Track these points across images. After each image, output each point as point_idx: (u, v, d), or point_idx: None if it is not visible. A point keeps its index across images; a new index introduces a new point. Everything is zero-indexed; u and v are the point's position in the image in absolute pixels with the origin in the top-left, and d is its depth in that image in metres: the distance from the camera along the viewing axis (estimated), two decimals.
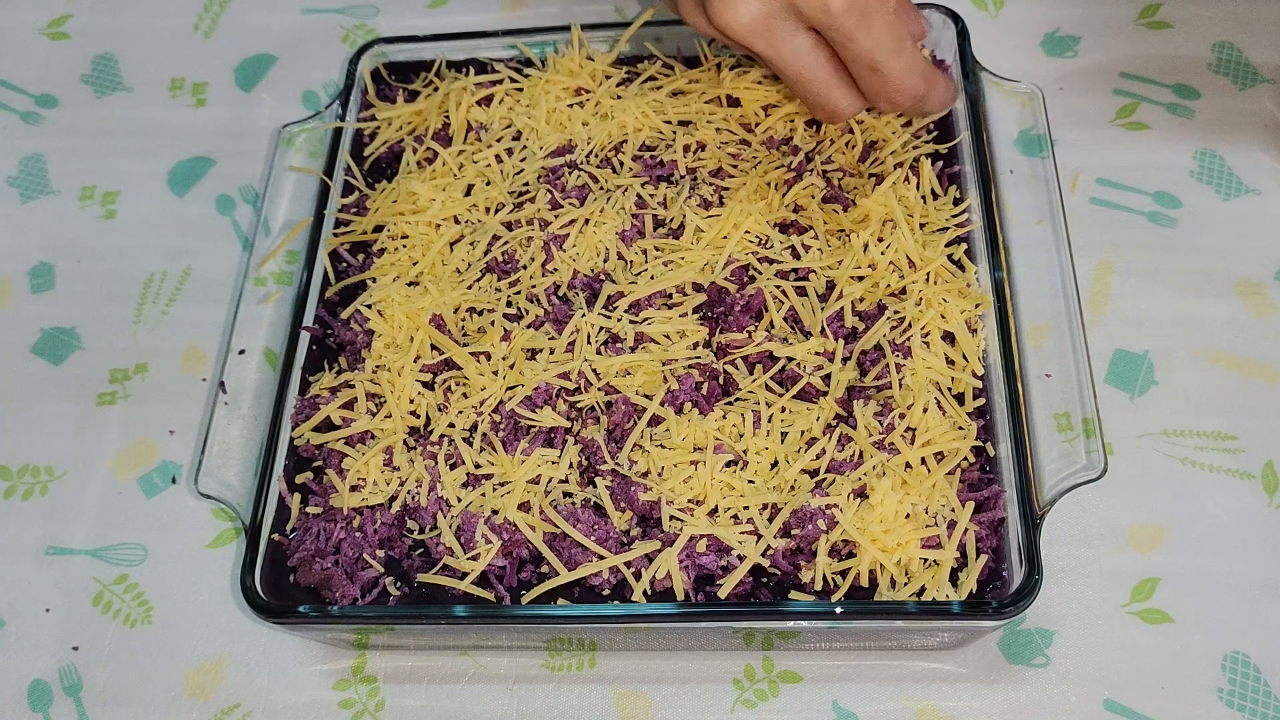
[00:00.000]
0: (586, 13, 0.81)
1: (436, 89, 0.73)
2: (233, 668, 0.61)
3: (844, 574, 0.54)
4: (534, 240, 0.66)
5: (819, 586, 0.54)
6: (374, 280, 0.66)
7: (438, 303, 0.64)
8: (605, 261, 0.65)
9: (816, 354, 0.60)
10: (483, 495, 0.58)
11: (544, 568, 0.57)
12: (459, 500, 0.58)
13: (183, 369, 0.71)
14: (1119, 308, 0.67)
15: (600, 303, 0.63)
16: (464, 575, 0.56)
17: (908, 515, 0.55)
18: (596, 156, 0.69)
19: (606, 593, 0.56)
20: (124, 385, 0.70)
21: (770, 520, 0.56)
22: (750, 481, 0.57)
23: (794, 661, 0.59)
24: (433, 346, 0.63)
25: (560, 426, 0.60)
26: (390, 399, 0.61)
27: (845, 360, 0.60)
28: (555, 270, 0.65)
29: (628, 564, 0.56)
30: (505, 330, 0.62)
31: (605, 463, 0.58)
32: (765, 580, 0.56)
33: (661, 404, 0.59)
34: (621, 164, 0.69)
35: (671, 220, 0.66)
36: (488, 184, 0.69)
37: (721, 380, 0.61)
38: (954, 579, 0.54)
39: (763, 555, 0.55)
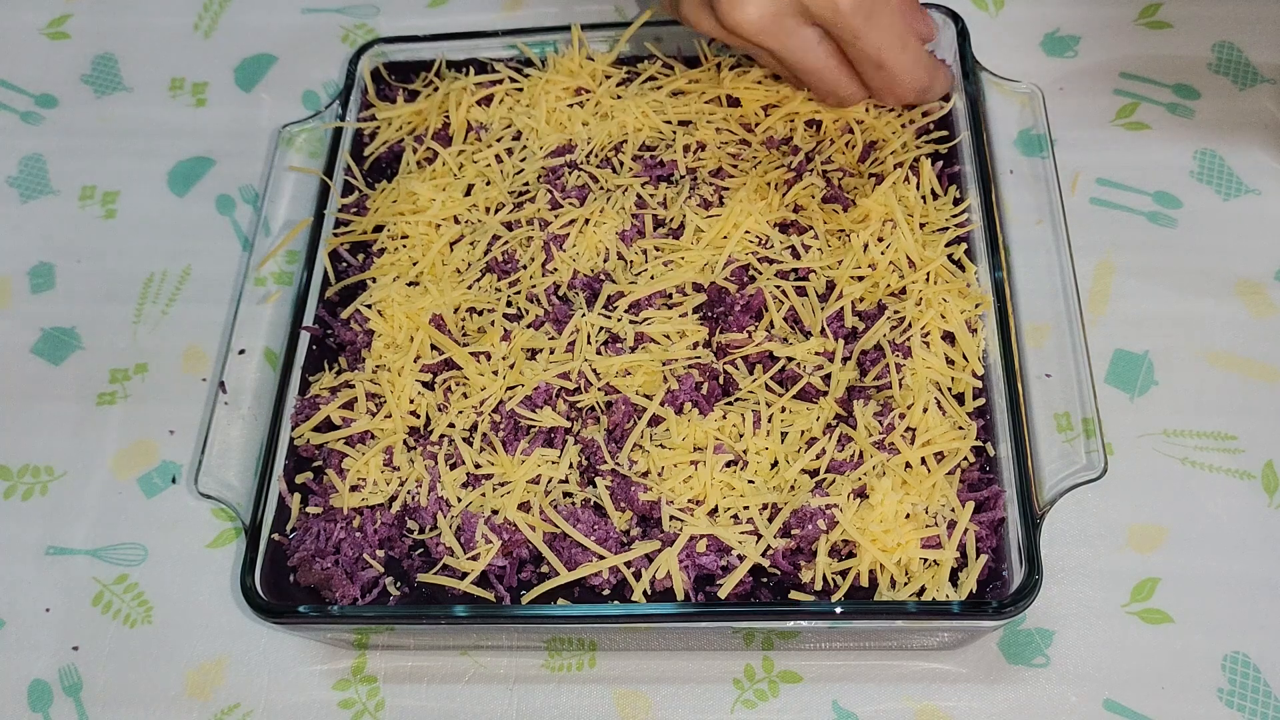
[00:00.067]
0: (586, 13, 0.81)
1: (436, 89, 0.73)
2: (233, 668, 0.61)
3: (844, 574, 0.54)
4: (534, 240, 0.66)
5: (819, 586, 0.54)
6: (374, 280, 0.66)
7: (438, 303, 0.64)
8: (605, 261, 0.65)
9: (816, 354, 0.60)
10: (483, 495, 0.58)
11: (544, 568, 0.57)
12: (459, 500, 0.58)
13: (183, 369, 0.71)
14: (1119, 308, 0.67)
15: (600, 303, 0.63)
16: (464, 575, 0.56)
17: (908, 515, 0.55)
18: (596, 156, 0.69)
19: (606, 593, 0.56)
20: (124, 385, 0.70)
21: (770, 520, 0.56)
22: (750, 481, 0.57)
23: (794, 661, 0.59)
24: (433, 346, 0.63)
25: (560, 426, 0.60)
26: (390, 399, 0.61)
27: (845, 360, 0.60)
28: (555, 270, 0.65)
29: (628, 564, 0.56)
30: (505, 330, 0.62)
31: (605, 463, 0.58)
32: (765, 580, 0.56)
33: (661, 404, 0.59)
34: (621, 164, 0.69)
35: (671, 220, 0.66)
36: (488, 184, 0.69)
37: (721, 380, 0.61)
38: (954, 579, 0.54)
39: (763, 555, 0.55)
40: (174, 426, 0.69)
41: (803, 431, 0.58)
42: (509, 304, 0.64)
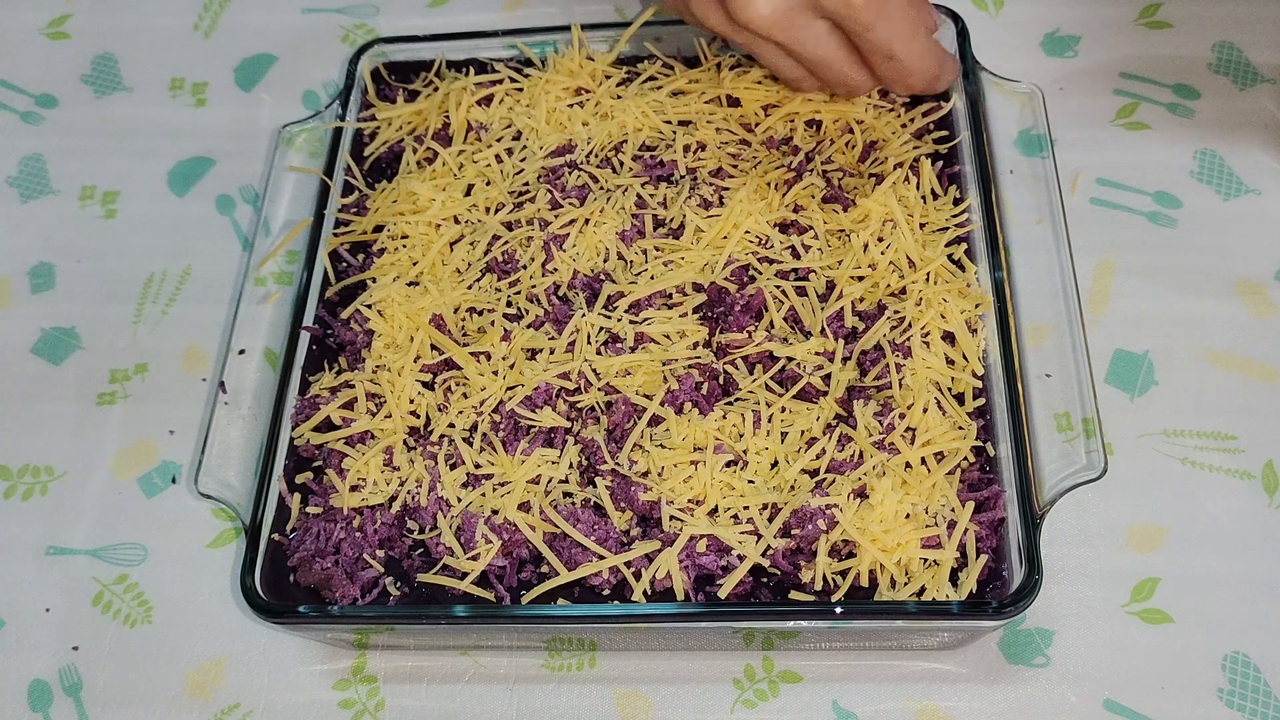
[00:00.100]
0: (586, 13, 0.81)
1: (436, 89, 0.74)
2: (233, 668, 0.61)
3: (844, 574, 0.54)
4: (534, 240, 0.66)
5: (819, 586, 0.54)
6: (374, 280, 0.66)
7: (438, 303, 0.64)
8: (605, 261, 0.65)
9: (816, 354, 0.60)
10: (483, 495, 0.58)
11: (544, 568, 0.57)
12: (459, 500, 0.58)
13: (183, 369, 0.71)
14: (1119, 308, 0.67)
15: (600, 303, 0.63)
16: (464, 575, 0.56)
17: (908, 515, 0.55)
18: (596, 156, 0.69)
19: (606, 593, 0.56)
20: (124, 385, 0.70)
21: (770, 520, 0.56)
22: (750, 481, 0.57)
23: (794, 661, 0.59)
24: (433, 346, 0.63)
25: (560, 426, 0.60)
26: (390, 399, 0.61)
27: (845, 360, 0.60)
28: (555, 270, 0.65)
29: (628, 564, 0.56)
30: (505, 330, 0.62)
31: (605, 463, 0.58)
32: (765, 580, 0.56)
33: (661, 404, 0.59)
34: (621, 164, 0.69)
35: (671, 220, 0.66)
36: (488, 184, 0.69)
37: (721, 380, 0.61)
38: (954, 579, 0.54)
39: (763, 555, 0.55)
40: (174, 426, 0.69)
41: (803, 431, 0.58)
42: (509, 304, 0.64)
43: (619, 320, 0.62)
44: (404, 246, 0.67)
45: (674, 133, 0.70)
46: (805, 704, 0.58)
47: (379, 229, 0.68)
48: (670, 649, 0.60)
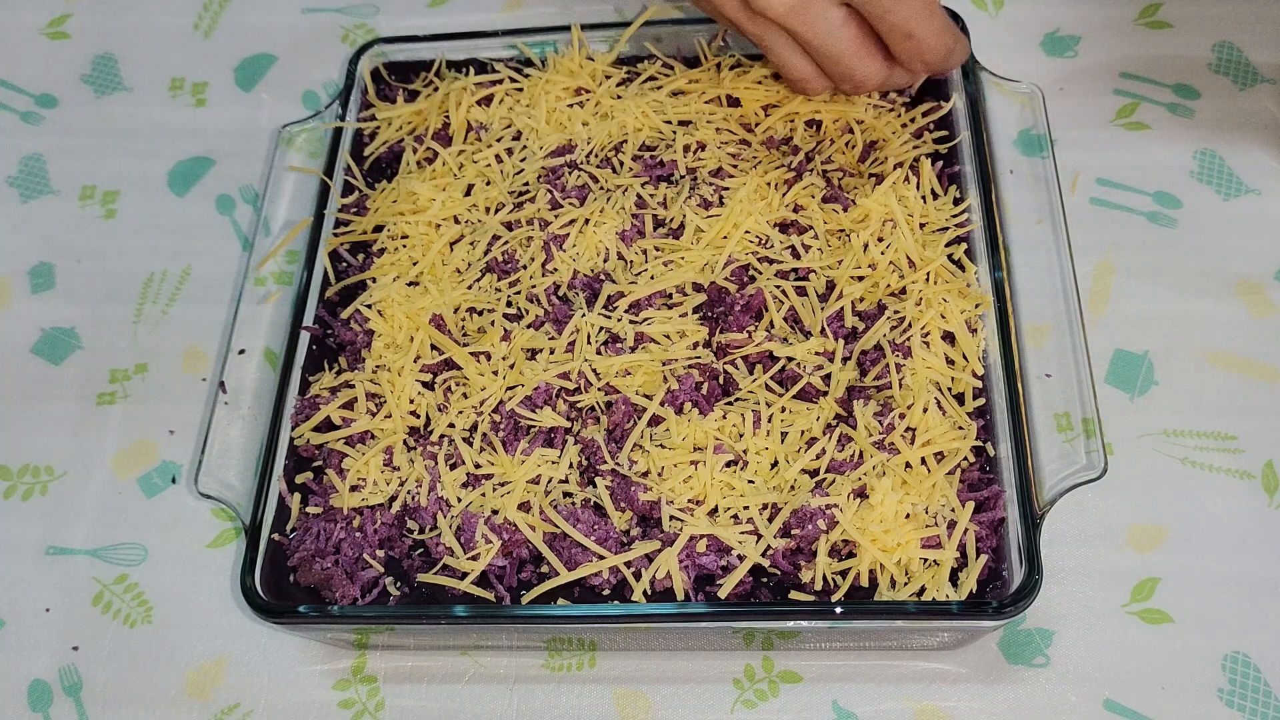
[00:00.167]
0: (586, 13, 0.81)
1: (436, 89, 0.74)
2: (233, 668, 0.61)
3: (844, 574, 0.54)
4: (534, 240, 0.66)
5: (819, 586, 0.54)
6: (374, 280, 0.66)
7: (438, 303, 0.64)
8: (605, 261, 0.65)
9: (816, 354, 0.60)
10: (483, 495, 0.58)
11: (544, 568, 0.57)
12: (459, 500, 0.58)
13: (183, 369, 0.71)
14: (1119, 308, 0.67)
15: (600, 303, 0.63)
16: (464, 575, 0.56)
17: (908, 515, 0.55)
18: (596, 156, 0.69)
19: (606, 593, 0.56)
20: (124, 385, 0.70)
21: (770, 520, 0.56)
22: (750, 481, 0.57)
23: (794, 661, 0.59)
24: (433, 346, 0.63)
25: (560, 426, 0.60)
26: (390, 399, 0.61)
27: (845, 360, 0.60)
28: (555, 270, 0.65)
29: (628, 564, 0.56)
30: (505, 330, 0.62)
31: (605, 463, 0.58)
32: (765, 580, 0.56)
33: (661, 404, 0.59)
34: (621, 164, 0.69)
35: (671, 220, 0.66)
36: (488, 184, 0.69)
37: (721, 380, 0.61)
38: (954, 579, 0.54)
39: (763, 555, 0.55)
40: (174, 426, 0.69)
41: (803, 431, 0.58)
42: (509, 304, 0.64)
43: (619, 320, 0.62)
44: (404, 246, 0.67)
45: (674, 133, 0.70)
46: (805, 704, 0.58)
47: (379, 229, 0.68)
48: (670, 649, 0.60)
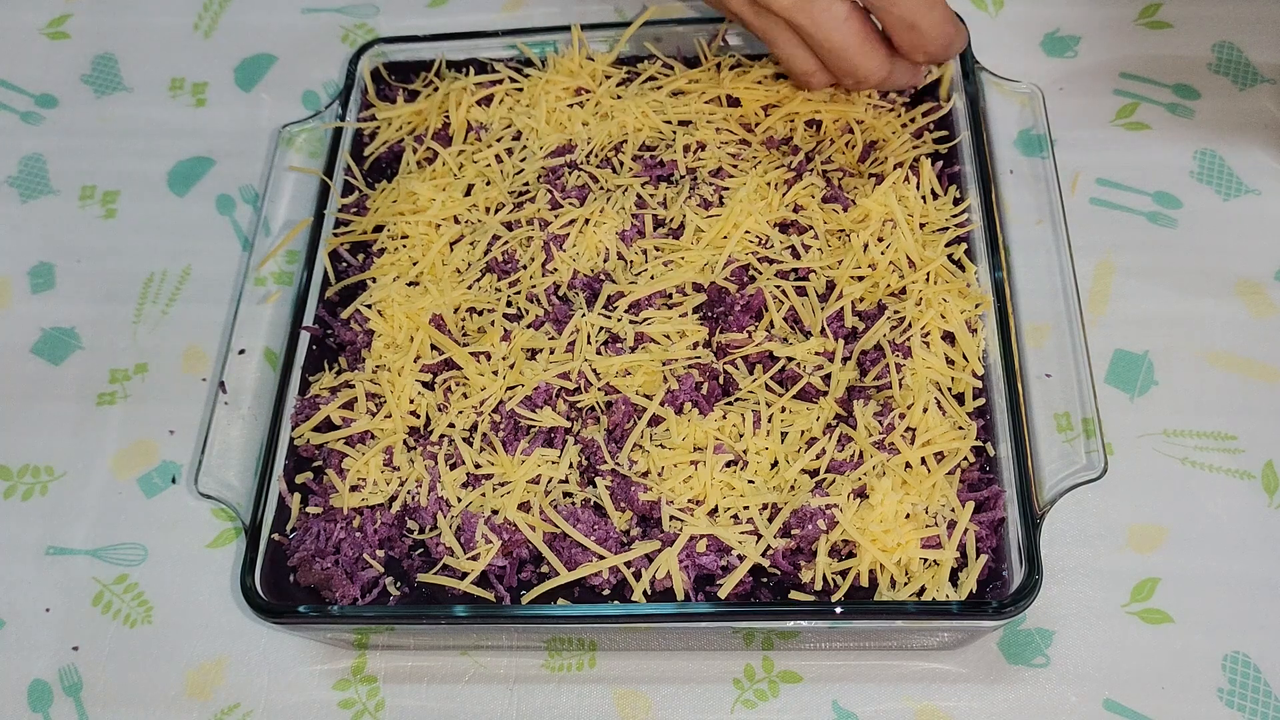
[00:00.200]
0: (586, 13, 0.81)
1: (436, 89, 0.74)
2: (233, 668, 0.61)
3: (844, 574, 0.54)
4: (534, 240, 0.66)
5: (819, 586, 0.54)
6: (374, 280, 0.66)
7: (438, 303, 0.64)
8: (605, 261, 0.65)
9: (816, 354, 0.60)
10: (483, 495, 0.58)
11: (544, 568, 0.57)
12: (459, 500, 0.58)
13: (183, 369, 0.71)
14: (1119, 308, 0.67)
15: (600, 303, 0.63)
16: (464, 575, 0.56)
17: (908, 515, 0.55)
18: (596, 156, 0.69)
19: (606, 593, 0.56)
20: (124, 385, 0.70)
21: (770, 520, 0.56)
22: (750, 481, 0.57)
23: (794, 661, 0.59)
24: (433, 346, 0.63)
25: (560, 426, 0.60)
26: (390, 399, 0.61)
27: (845, 360, 0.60)
28: (555, 270, 0.65)
29: (628, 564, 0.56)
30: (505, 330, 0.62)
31: (605, 463, 0.58)
32: (765, 580, 0.56)
33: (661, 404, 0.59)
34: (621, 164, 0.69)
35: (671, 220, 0.66)
36: (488, 184, 0.69)
37: (721, 380, 0.61)
38: (954, 579, 0.54)
39: (763, 555, 0.55)
40: (174, 426, 0.69)
41: (803, 431, 0.58)
42: (509, 304, 0.64)
43: (619, 320, 0.62)
44: (404, 246, 0.67)
45: (674, 133, 0.70)
46: (805, 704, 0.58)
47: (379, 229, 0.68)
48: (670, 649, 0.60)
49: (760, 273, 0.63)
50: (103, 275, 0.75)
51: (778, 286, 0.62)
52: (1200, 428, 0.63)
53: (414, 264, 0.66)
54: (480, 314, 0.64)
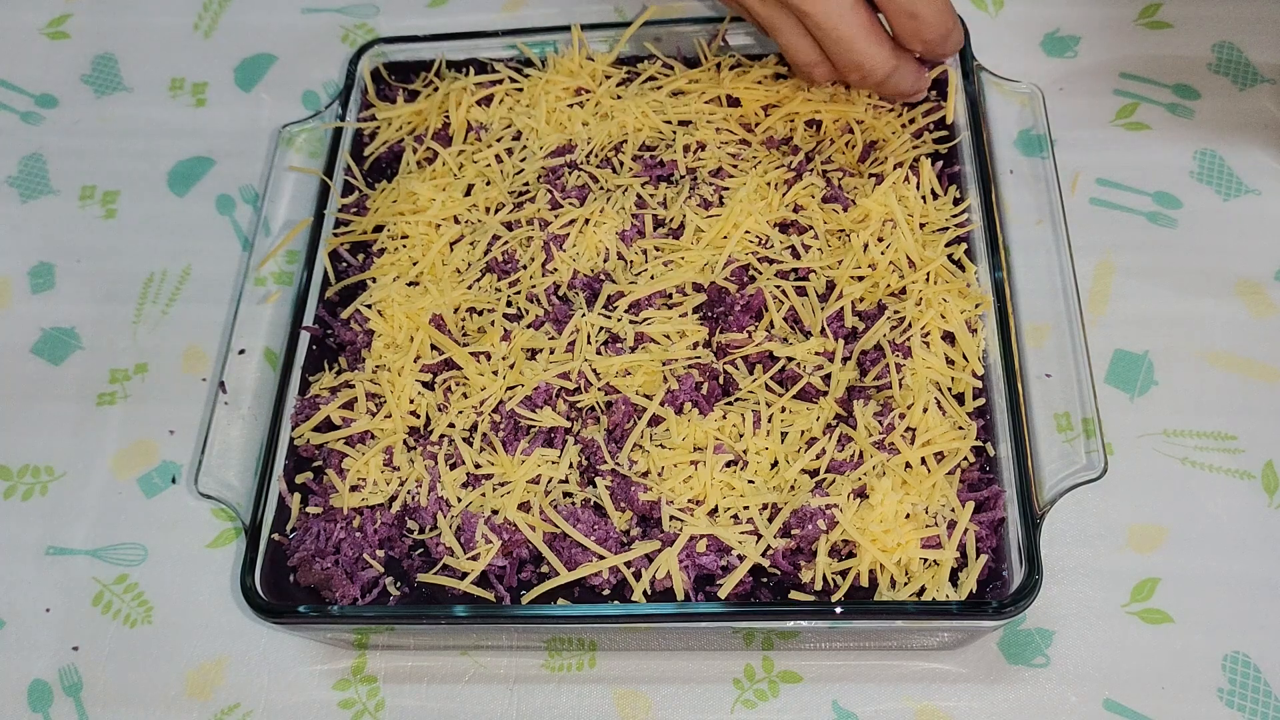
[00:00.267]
0: (586, 13, 0.81)
1: (436, 89, 0.74)
2: (233, 668, 0.61)
3: (844, 574, 0.54)
4: (534, 240, 0.66)
5: (819, 586, 0.54)
6: (374, 280, 0.66)
7: (438, 303, 0.64)
8: (605, 261, 0.65)
9: (816, 354, 0.60)
10: (483, 495, 0.58)
11: (544, 568, 0.57)
12: (459, 500, 0.58)
13: (183, 369, 0.71)
14: (1119, 308, 0.67)
15: (600, 303, 0.63)
16: (464, 575, 0.56)
17: (908, 515, 0.55)
18: (596, 156, 0.69)
19: (606, 593, 0.56)
20: (124, 385, 0.70)
21: (770, 520, 0.56)
22: (750, 481, 0.57)
23: (794, 661, 0.59)
24: (433, 346, 0.63)
25: (560, 426, 0.60)
26: (390, 399, 0.61)
27: (845, 360, 0.60)
28: (555, 270, 0.65)
29: (628, 564, 0.56)
30: (505, 330, 0.62)
31: (605, 463, 0.58)
32: (765, 580, 0.56)
33: (661, 404, 0.59)
34: (621, 164, 0.69)
35: (671, 220, 0.66)
36: (488, 184, 0.69)
37: (721, 380, 0.61)
38: (954, 579, 0.54)
39: (763, 555, 0.55)
40: (174, 426, 0.69)
41: (803, 431, 0.58)
42: (509, 304, 0.64)
43: (619, 320, 0.62)
44: (404, 246, 0.67)
45: (674, 133, 0.70)
46: (805, 704, 0.58)
47: (379, 229, 0.68)
48: (670, 649, 0.60)
49: (760, 273, 0.63)
50: (103, 275, 0.75)
51: (778, 286, 0.62)
52: (1200, 428, 0.63)
53: (414, 264, 0.66)
54: (480, 314, 0.64)
